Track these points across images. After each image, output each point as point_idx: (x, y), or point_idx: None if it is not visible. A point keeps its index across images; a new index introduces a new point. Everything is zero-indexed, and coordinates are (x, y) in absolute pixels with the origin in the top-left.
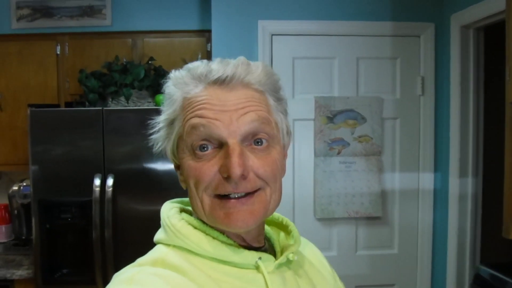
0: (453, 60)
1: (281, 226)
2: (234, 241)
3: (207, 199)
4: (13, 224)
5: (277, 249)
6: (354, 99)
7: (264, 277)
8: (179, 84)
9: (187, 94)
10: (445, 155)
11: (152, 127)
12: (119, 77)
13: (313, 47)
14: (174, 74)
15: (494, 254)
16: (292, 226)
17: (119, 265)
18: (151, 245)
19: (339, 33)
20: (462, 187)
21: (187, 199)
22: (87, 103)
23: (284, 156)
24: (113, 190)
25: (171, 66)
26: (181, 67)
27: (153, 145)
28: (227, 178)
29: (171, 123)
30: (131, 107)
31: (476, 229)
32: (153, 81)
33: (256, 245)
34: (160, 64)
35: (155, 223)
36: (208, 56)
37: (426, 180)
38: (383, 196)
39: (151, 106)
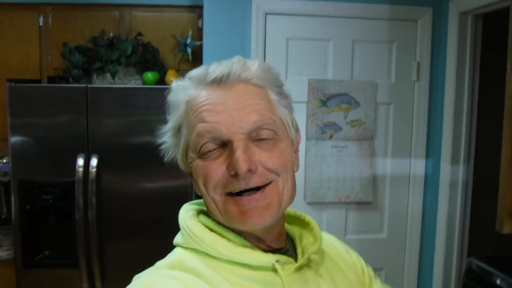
0: (450, 47)
1: (303, 224)
2: (251, 243)
3: (218, 198)
4: None
5: (299, 249)
6: (348, 83)
7: (282, 280)
8: (181, 90)
9: (189, 98)
10: (437, 142)
11: (161, 137)
12: (105, 52)
13: (308, 28)
14: (175, 83)
15: (482, 242)
16: (313, 224)
17: (103, 247)
18: (136, 226)
19: (335, 14)
20: (453, 174)
21: None
22: (71, 79)
23: (296, 151)
24: (97, 171)
25: (160, 42)
26: (171, 43)
27: (133, 122)
28: (235, 175)
29: (177, 130)
30: (117, 84)
31: (465, 217)
32: (141, 57)
33: (276, 246)
34: (149, 40)
35: (140, 204)
36: (199, 33)
37: (418, 166)
38: (374, 181)
39: (138, 84)
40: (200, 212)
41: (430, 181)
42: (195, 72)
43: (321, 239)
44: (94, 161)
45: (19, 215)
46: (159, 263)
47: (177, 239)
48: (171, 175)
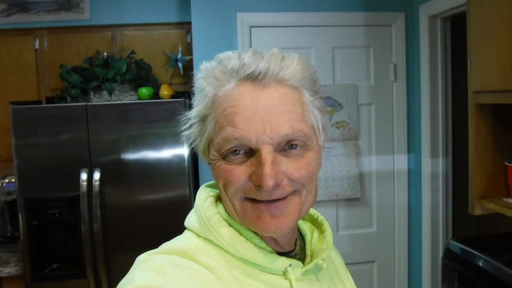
0: (423, 48)
1: (316, 223)
2: (267, 245)
3: (237, 203)
4: None
5: (308, 251)
6: (331, 87)
7: (291, 284)
8: (210, 78)
9: (218, 91)
10: (417, 138)
11: (183, 123)
12: (100, 71)
13: (290, 38)
14: (204, 66)
15: (464, 228)
16: (326, 226)
17: (109, 258)
18: (140, 236)
19: (315, 24)
20: (433, 167)
21: None
22: (69, 98)
23: (321, 150)
24: (100, 184)
25: (152, 58)
26: (162, 59)
27: (132, 136)
28: (259, 186)
29: (203, 119)
30: (114, 101)
31: (447, 206)
32: (135, 74)
33: (288, 248)
34: (141, 57)
35: (143, 215)
36: (188, 47)
37: (401, 161)
38: (361, 178)
39: (134, 100)
40: (217, 199)
41: (413, 175)
42: (228, 57)
43: (331, 245)
44: (97, 175)
45: (26, 230)
46: (168, 247)
47: (192, 223)
48: (171, 186)
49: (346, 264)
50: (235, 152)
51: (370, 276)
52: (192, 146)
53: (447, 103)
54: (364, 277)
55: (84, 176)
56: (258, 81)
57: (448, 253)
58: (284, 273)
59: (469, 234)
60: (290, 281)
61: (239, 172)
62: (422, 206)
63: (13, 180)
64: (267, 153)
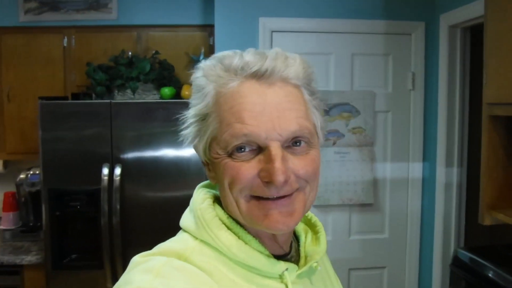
0: (442, 57)
1: (309, 224)
2: (265, 248)
3: (243, 201)
4: (21, 211)
5: (302, 253)
6: (348, 93)
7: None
8: (211, 76)
9: (222, 88)
10: (433, 146)
11: (181, 122)
12: (125, 70)
13: (310, 44)
14: (204, 64)
15: (476, 238)
16: (320, 227)
17: (126, 250)
18: (157, 231)
19: (335, 30)
20: (448, 176)
21: None
22: (94, 95)
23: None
24: (121, 179)
25: (175, 59)
26: (185, 60)
27: (153, 134)
28: (268, 183)
29: (203, 118)
30: (137, 99)
31: (460, 215)
32: (158, 74)
33: (285, 248)
34: (165, 58)
35: (161, 211)
36: (210, 50)
37: (415, 169)
38: (375, 184)
39: (156, 99)
40: (215, 199)
41: (427, 183)
42: (228, 56)
43: (324, 247)
44: (118, 170)
45: (49, 221)
46: (164, 248)
47: (188, 224)
48: (189, 184)
49: (357, 269)
50: (240, 149)
51: (380, 282)
52: (191, 145)
53: (464, 113)
54: (374, 283)
55: (105, 171)
56: (265, 79)
57: (456, 261)
58: (281, 277)
59: (481, 244)
60: (286, 284)
61: (247, 168)
62: (435, 214)
63: (37, 172)
64: (276, 149)
